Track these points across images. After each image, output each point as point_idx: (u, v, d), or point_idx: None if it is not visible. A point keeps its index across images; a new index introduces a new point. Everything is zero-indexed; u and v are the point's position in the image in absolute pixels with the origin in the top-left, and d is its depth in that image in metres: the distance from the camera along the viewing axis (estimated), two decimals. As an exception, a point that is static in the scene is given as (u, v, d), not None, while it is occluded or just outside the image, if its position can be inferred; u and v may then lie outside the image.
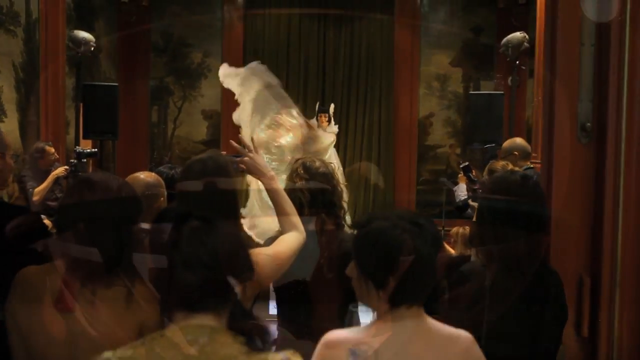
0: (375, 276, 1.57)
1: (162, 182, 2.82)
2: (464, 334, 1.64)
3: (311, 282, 2.46)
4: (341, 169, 7.02)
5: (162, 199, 2.75)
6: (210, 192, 2.07)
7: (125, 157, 8.29)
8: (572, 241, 2.26)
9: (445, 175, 7.94)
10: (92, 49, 7.33)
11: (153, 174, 2.88)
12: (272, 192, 2.15)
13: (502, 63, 8.07)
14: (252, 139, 5.47)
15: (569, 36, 2.27)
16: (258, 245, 2.30)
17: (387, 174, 8.55)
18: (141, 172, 2.83)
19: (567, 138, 2.27)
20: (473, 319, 1.93)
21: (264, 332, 1.41)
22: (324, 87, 8.68)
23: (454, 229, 4.78)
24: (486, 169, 4.38)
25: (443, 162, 8.70)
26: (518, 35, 7.46)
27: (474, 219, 2.19)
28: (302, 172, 2.54)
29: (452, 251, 4.34)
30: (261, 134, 5.99)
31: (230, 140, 2.41)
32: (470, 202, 4.80)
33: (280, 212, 2.15)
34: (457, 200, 5.05)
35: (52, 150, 5.65)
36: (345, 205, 2.67)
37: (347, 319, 2.51)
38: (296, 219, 2.16)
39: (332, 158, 7.00)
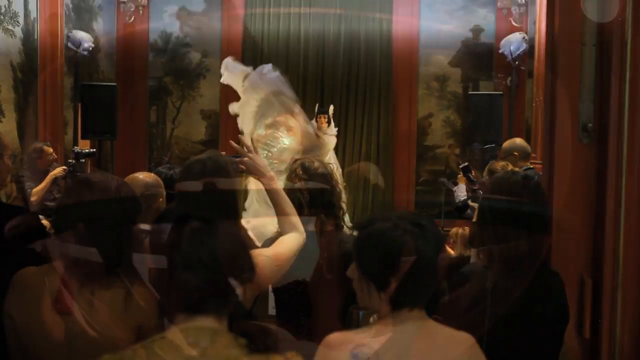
0: (376, 278, 1.55)
1: (161, 182, 2.82)
2: (465, 335, 1.63)
3: (310, 283, 2.46)
4: (340, 169, 7.01)
5: (161, 199, 2.75)
6: (210, 193, 2.07)
7: (124, 158, 8.28)
8: (574, 242, 2.26)
9: (444, 176, 7.92)
10: (91, 48, 7.33)
11: (152, 174, 2.88)
12: (271, 193, 2.15)
13: (502, 63, 8.06)
14: (251, 140, 5.47)
15: (570, 36, 2.26)
16: (256, 247, 2.29)
17: (386, 175, 8.53)
18: (140, 173, 2.83)
19: (569, 138, 2.26)
20: (474, 320, 1.92)
21: (265, 333, 1.40)
22: (322, 88, 8.66)
23: (453, 230, 4.78)
24: (486, 169, 4.38)
25: (442, 163, 8.68)
26: (517, 35, 7.47)
27: (474, 220, 2.19)
28: (301, 172, 2.54)
29: (452, 252, 4.34)
30: (260, 131, 6.00)
31: (230, 141, 2.40)
32: (470, 203, 4.79)
33: (280, 212, 2.14)
34: (457, 200, 5.05)
35: (51, 150, 5.63)
36: (344, 206, 2.67)
37: (347, 320, 2.50)
38: (296, 220, 2.15)
39: (331, 159, 7.00)
